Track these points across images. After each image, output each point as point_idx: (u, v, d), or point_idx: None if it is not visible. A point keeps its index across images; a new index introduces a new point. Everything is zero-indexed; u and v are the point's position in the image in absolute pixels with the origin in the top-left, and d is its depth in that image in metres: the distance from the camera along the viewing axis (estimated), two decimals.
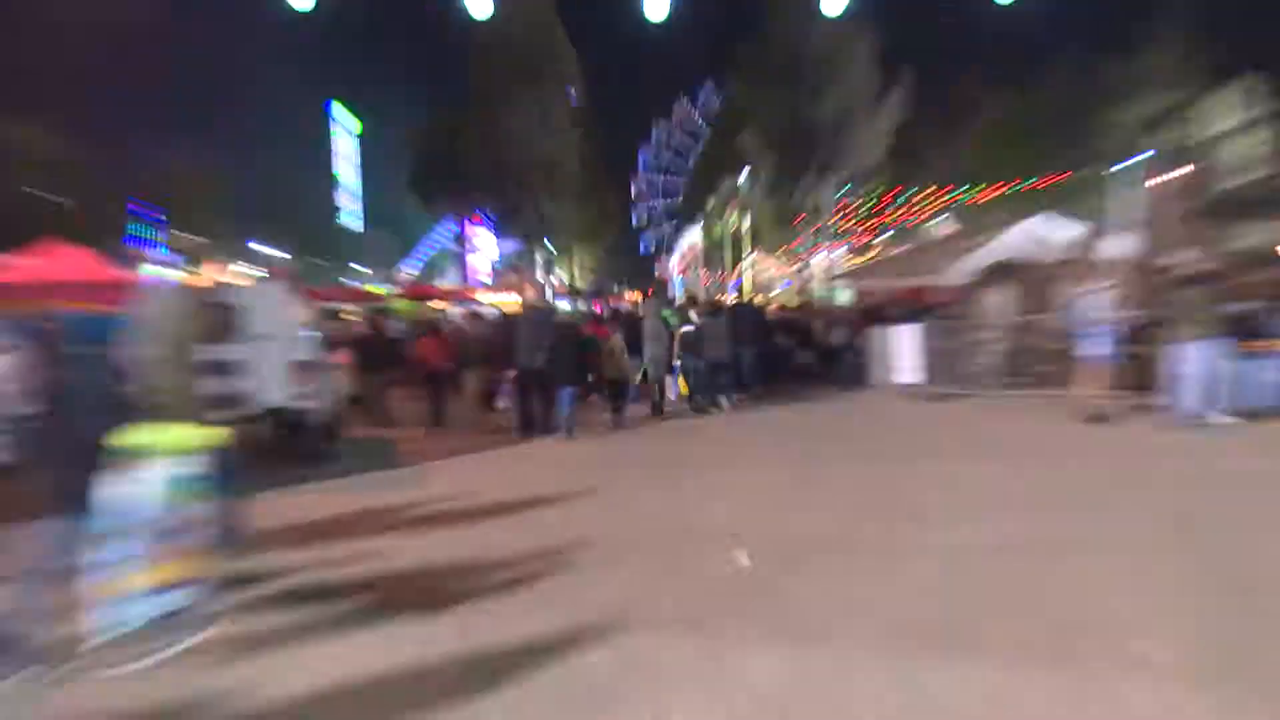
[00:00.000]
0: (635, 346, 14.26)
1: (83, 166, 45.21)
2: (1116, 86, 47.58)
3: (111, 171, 49.21)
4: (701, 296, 36.60)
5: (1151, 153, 47.40)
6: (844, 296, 31.79)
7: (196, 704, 4.28)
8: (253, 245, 68.84)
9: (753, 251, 61.17)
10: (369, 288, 59.42)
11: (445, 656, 4.68)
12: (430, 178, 56.22)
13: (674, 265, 76.01)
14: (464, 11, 18.23)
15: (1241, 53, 45.99)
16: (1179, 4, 45.38)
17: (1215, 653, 4.18)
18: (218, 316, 5.91)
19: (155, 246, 51.48)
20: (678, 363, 14.49)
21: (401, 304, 40.30)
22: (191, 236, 56.47)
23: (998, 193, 49.91)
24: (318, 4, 18.03)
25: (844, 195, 49.57)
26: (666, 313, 15.68)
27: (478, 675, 4.42)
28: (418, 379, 13.94)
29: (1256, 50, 49.16)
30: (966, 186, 52.61)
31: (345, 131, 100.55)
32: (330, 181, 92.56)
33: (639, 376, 14.46)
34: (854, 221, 60.09)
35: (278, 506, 7.90)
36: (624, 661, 4.46)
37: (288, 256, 68.01)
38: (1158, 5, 47.15)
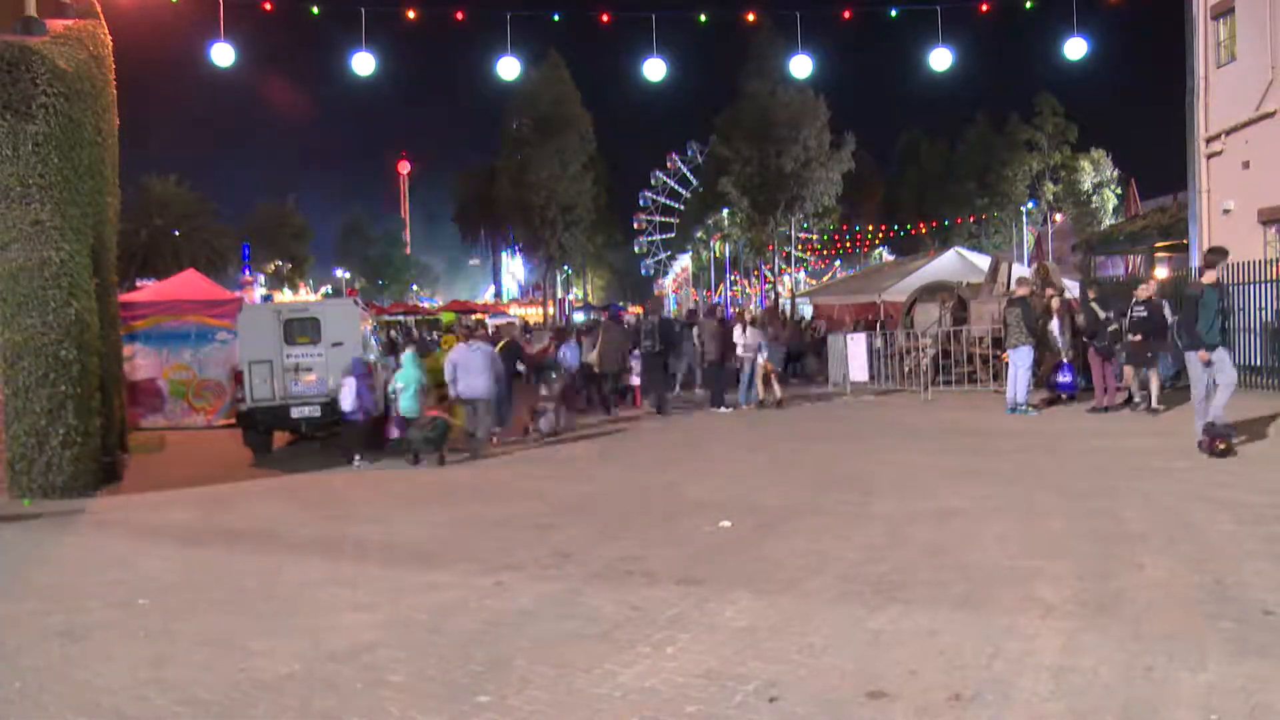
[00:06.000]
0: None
1: (202, 208, 45.94)
2: (1015, 146, 48.00)
3: (225, 214, 50.15)
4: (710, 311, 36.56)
5: (1033, 203, 48.28)
6: (805, 311, 31.78)
7: None
8: (337, 273, 68.84)
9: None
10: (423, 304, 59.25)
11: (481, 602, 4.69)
12: (470, 213, 56.06)
13: (669, 284, 76.54)
14: (497, 76, 18.55)
15: (1092, 131, 48.04)
16: (1053, 87, 47.11)
17: (1097, 594, 4.21)
18: None
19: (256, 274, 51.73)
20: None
21: (447, 315, 40.38)
22: (281, 263, 56.49)
23: (924, 229, 50.02)
24: (381, 72, 18.13)
25: (805, 229, 49.67)
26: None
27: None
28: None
29: (1102, 130, 51.99)
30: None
31: (401, 174, 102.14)
32: (398, 221, 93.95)
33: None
34: (812, 250, 60.07)
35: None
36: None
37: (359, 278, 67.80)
38: (1042, 84, 48.31)
